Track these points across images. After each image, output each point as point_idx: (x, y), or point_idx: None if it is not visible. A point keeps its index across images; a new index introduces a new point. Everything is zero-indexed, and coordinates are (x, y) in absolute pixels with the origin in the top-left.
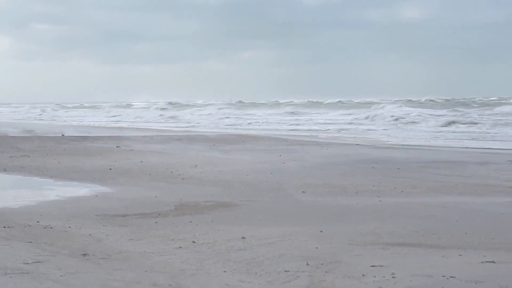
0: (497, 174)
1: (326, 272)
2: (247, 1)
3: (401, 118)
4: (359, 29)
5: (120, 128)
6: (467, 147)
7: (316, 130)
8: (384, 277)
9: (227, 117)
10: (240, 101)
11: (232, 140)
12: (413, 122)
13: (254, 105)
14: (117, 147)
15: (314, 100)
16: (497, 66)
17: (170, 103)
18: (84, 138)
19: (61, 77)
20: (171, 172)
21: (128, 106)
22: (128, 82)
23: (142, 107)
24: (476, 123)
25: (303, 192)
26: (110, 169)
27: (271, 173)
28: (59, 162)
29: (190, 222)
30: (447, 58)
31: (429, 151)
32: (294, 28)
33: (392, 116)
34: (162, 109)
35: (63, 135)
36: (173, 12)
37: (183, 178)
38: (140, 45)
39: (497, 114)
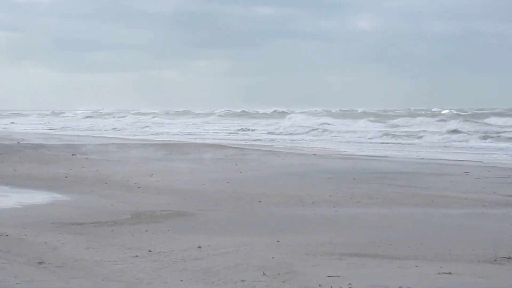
0: (453, 185)
1: (283, 282)
2: (202, 10)
3: (315, 129)
4: (312, 40)
5: (77, 136)
6: (422, 158)
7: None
8: (340, 287)
9: (147, 126)
10: (177, 111)
11: (189, 148)
12: (325, 132)
13: (187, 113)
14: (72, 155)
15: (254, 110)
16: (449, 77)
17: (108, 113)
18: (40, 145)
19: (14, 85)
20: (128, 180)
21: (57, 114)
22: (81, 90)
23: (72, 116)
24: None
25: (259, 202)
26: (66, 177)
27: (228, 183)
28: (14, 170)
29: (147, 231)
30: (401, 69)
31: (385, 161)
32: (249, 38)
33: (307, 126)
34: (89, 117)
35: (18, 142)
36: (127, 21)
37: (139, 187)
38: (95, 53)
39: (412, 125)
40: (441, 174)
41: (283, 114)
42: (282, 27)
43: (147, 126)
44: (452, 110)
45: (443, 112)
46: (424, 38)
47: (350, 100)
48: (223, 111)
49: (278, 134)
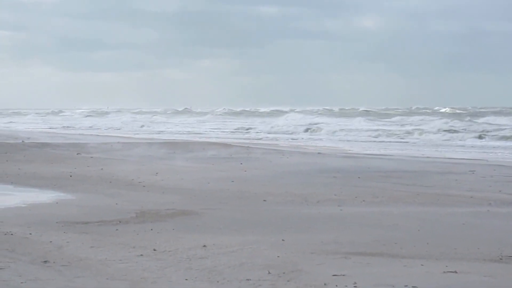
0: (458, 184)
1: (288, 281)
2: (206, 9)
3: (309, 128)
4: (316, 39)
5: (81, 135)
6: (428, 157)
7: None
8: (346, 286)
9: (143, 125)
10: (176, 109)
11: (193, 147)
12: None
13: (186, 112)
14: (77, 154)
15: (255, 109)
16: (452, 75)
17: (106, 112)
18: (45, 144)
19: (18, 84)
20: (132, 179)
21: (56, 113)
22: (85, 89)
23: (70, 115)
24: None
25: (264, 200)
26: (71, 176)
27: (232, 181)
28: (19, 169)
29: (151, 229)
30: (404, 68)
31: (389, 160)
32: (253, 37)
33: (299, 125)
34: (89, 116)
35: (23, 142)
36: (131, 20)
37: (144, 186)
38: (98, 53)
39: (406, 124)
40: (446, 172)
41: (282, 113)
42: (286, 26)
43: (143, 126)
44: (454, 108)
45: (441, 110)
46: (428, 37)
47: (353, 99)
48: (223, 109)
49: (273, 133)
